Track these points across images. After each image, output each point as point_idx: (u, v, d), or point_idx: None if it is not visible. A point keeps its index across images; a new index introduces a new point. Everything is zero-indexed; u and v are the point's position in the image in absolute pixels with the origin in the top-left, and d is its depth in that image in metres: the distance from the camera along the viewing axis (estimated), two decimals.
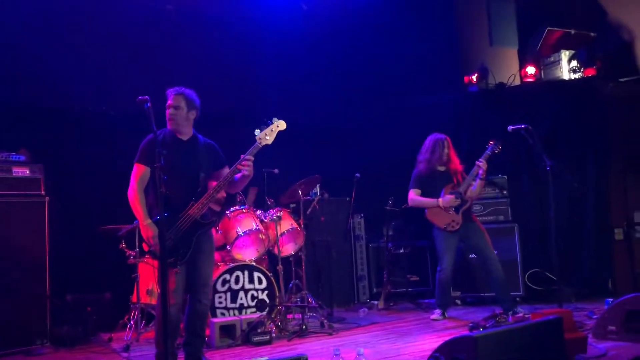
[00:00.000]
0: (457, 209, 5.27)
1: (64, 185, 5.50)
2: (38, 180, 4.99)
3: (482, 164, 5.21)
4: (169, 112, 3.75)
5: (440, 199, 5.31)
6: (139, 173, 3.69)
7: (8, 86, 5.43)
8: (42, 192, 4.99)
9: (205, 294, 3.75)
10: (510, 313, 4.93)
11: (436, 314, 5.36)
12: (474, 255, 5.73)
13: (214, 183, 3.71)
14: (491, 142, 5.27)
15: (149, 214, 3.61)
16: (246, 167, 3.64)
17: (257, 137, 3.69)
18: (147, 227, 3.56)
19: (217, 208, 5.19)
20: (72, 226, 5.53)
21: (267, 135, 3.71)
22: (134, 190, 3.64)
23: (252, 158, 3.66)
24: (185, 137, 3.82)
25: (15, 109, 5.53)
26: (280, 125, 3.76)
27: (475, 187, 5.28)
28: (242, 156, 3.65)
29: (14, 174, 4.87)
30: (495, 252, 5.38)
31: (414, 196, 5.48)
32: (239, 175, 3.70)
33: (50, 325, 4.87)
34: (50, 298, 4.90)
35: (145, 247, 3.64)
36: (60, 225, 5.13)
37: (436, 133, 5.51)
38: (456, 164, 5.48)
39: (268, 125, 3.73)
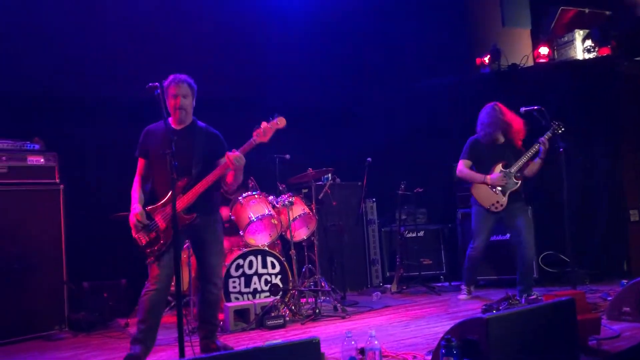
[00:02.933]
0: (504, 190, 5.08)
1: (78, 172, 5.56)
2: (52, 169, 5.06)
3: (543, 143, 4.93)
4: (178, 101, 3.65)
5: (488, 176, 5.09)
6: (138, 165, 3.75)
7: (21, 75, 5.48)
8: (57, 180, 5.05)
9: (213, 284, 3.75)
10: (524, 295, 4.91)
11: (463, 294, 5.37)
12: (498, 237, 5.62)
13: (211, 176, 3.59)
14: (554, 123, 4.97)
15: (148, 203, 3.65)
16: (230, 165, 3.54)
17: (254, 134, 3.60)
18: (132, 214, 3.59)
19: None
20: (87, 213, 5.60)
21: (264, 133, 3.60)
22: (134, 181, 3.72)
23: (239, 155, 3.53)
24: (180, 126, 3.73)
25: (29, 98, 5.59)
26: (280, 122, 3.63)
27: (533, 165, 5.02)
28: (233, 150, 3.59)
29: (28, 163, 4.94)
30: (509, 235, 5.36)
31: (462, 167, 5.24)
32: (229, 171, 3.62)
33: (68, 311, 4.97)
34: (68, 284, 4.98)
35: (133, 233, 3.62)
36: (75, 212, 5.19)
37: (492, 102, 5.24)
38: (519, 128, 5.12)
39: (268, 122, 3.63)
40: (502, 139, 5.22)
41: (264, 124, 3.59)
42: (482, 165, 5.21)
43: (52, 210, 4.99)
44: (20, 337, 4.68)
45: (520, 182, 5.10)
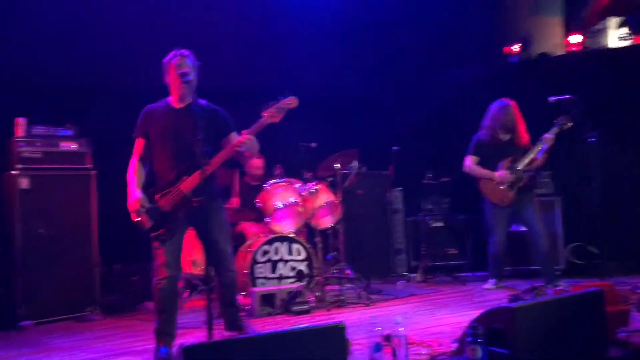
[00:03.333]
0: (511, 186, 5.11)
1: (110, 158, 5.66)
2: (85, 154, 5.18)
3: (549, 140, 4.99)
4: (188, 77, 3.43)
5: (496, 173, 5.15)
6: (138, 147, 3.59)
7: (55, 64, 5.59)
8: (89, 165, 5.17)
9: (224, 267, 3.60)
10: (550, 286, 4.88)
11: (490, 284, 5.34)
12: (519, 228, 5.62)
13: (218, 157, 3.44)
14: (561, 118, 5.01)
15: (149, 186, 3.53)
16: (241, 146, 3.40)
17: (262, 114, 3.44)
18: (131, 195, 3.45)
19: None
20: (118, 198, 5.67)
21: (274, 113, 3.44)
22: (131, 163, 3.56)
23: (251, 137, 3.41)
24: (180, 105, 3.54)
25: (62, 86, 5.71)
26: (292, 102, 3.48)
27: (539, 158, 5.09)
28: (243, 132, 3.45)
29: (61, 148, 5.07)
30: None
31: (470, 163, 5.33)
32: (240, 151, 3.45)
33: (100, 294, 5.10)
34: (99, 267, 5.11)
35: (133, 217, 3.46)
36: (106, 197, 5.29)
37: (502, 99, 5.28)
38: (522, 133, 5.22)
39: (277, 102, 3.46)
40: (506, 137, 5.24)
41: (274, 105, 3.45)
42: (489, 162, 5.24)
43: (84, 195, 5.11)
44: (54, 318, 4.83)
45: (526, 177, 5.13)
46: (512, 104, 5.23)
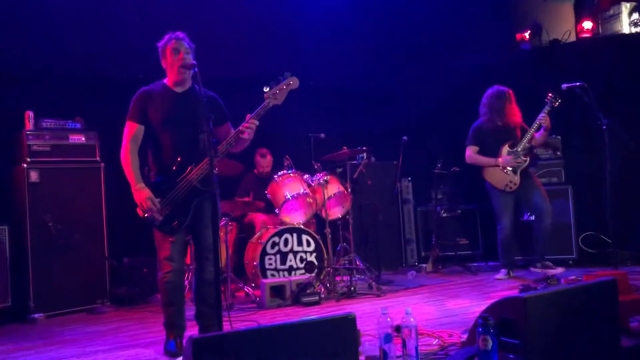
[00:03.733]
0: (515, 169, 5.19)
1: (118, 151, 5.67)
2: (93, 147, 5.19)
3: (543, 119, 5.14)
4: (181, 56, 3.31)
5: (499, 159, 5.23)
6: (132, 131, 3.35)
7: (63, 56, 5.60)
8: (98, 158, 5.19)
9: (210, 262, 3.35)
10: (539, 265, 5.22)
11: (501, 274, 5.35)
12: (531, 217, 5.60)
13: (226, 144, 3.31)
14: (550, 95, 5.16)
15: (148, 176, 3.39)
16: (248, 130, 3.27)
17: (265, 96, 3.29)
18: (139, 192, 3.27)
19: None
20: (127, 191, 5.71)
21: (277, 94, 3.30)
22: (126, 151, 3.34)
23: (257, 122, 3.29)
24: (180, 89, 3.42)
25: (70, 78, 5.72)
26: (293, 82, 3.34)
27: (539, 137, 5.25)
28: (247, 116, 3.30)
29: (70, 141, 5.09)
30: (528, 212, 5.49)
31: (471, 153, 5.40)
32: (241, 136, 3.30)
33: (110, 286, 5.13)
34: (109, 260, 5.13)
35: (140, 213, 3.32)
36: (115, 190, 5.29)
37: (497, 85, 5.37)
38: (518, 118, 5.32)
39: (278, 82, 3.32)
40: (501, 123, 5.30)
41: (275, 86, 3.31)
42: (489, 149, 5.32)
43: (94, 187, 5.13)
44: (65, 310, 4.87)
45: (528, 159, 5.24)
46: (507, 89, 5.29)
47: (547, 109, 5.15)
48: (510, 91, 5.32)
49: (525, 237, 5.74)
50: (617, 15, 6.31)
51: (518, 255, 5.72)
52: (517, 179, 5.20)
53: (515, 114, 5.31)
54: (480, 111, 5.44)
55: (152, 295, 5.35)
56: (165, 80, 3.48)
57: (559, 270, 5.23)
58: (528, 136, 5.23)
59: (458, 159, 6.39)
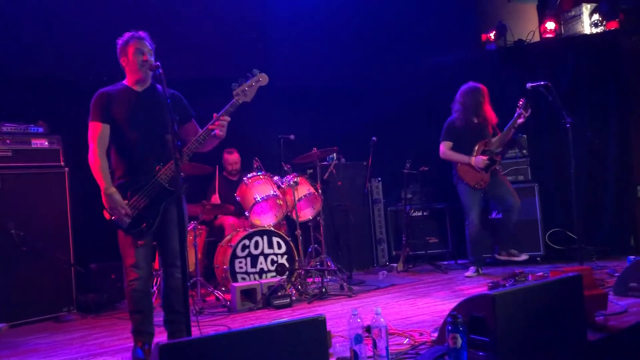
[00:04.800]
0: (487, 168, 5.30)
1: (83, 155, 5.55)
2: (57, 152, 5.07)
3: (515, 123, 5.29)
4: (145, 57, 3.25)
5: (472, 158, 5.32)
6: (97, 132, 3.24)
7: (24, 58, 5.45)
8: (62, 162, 5.07)
9: (177, 268, 3.28)
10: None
11: (470, 271, 5.43)
12: (499, 215, 5.68)
13: (195, 143, 3.21)
14: (521, 101, 5.28)
15: (112, 177, 3.27)
16: (220, 127, 3.18)
17: (233, 94, 3.23)
18: (109, 197, 3.16)
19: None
20: (92, 196, 5.57)
21: (245, 92, 3.23)
22: (94, 153, 3.21)
23: (228, 118, 3.21)
24: (140, 88, 3.34)
25: (32, 81, 5.57)
26: (262, 79, 3.28)
27: (508, 134, 5.37)
28: (214, 115, 3.21)
29: (33, 146, 4.95)
30: (496, 205, 5.64)
31: (445, 149, 5.46)
32: (210, 135, 3.21)
33: (76, 293, 5.01)
34: (75, 266, 5.01)
35: (107, 216, 3.22)
36: (81, 195, 5.18)
37: (471, 82, 5.43)
38: (491, 115, 5.41)
39: (247, 79, 3.25)
40: (476, 120, 5.38)
41: (244, 83, 3.25)
42: (463, 145, 5.40)
43: (58, 193, 5.00)
44: (30, 319, 4.73)
45: (499, 158, 5.41)
46: (481, 86, 5.33)
47: (520, 112, 5.25)
48: (484, 88, 5.37)
49: (494, 235, 5.82)
50: (579, 16, 6.47)
51: (487, 253, 5.79)
52: (487, 177, 5.32)
53: (490, 112, 5.38)
54: (453, 107, 5.48)
55: (120, 302, 5.24)
56: (124, 81, 3.39)
57: (524, 257, 5.42)
58: (501, 137, 5.34)
59: (426, 159, 6.46)
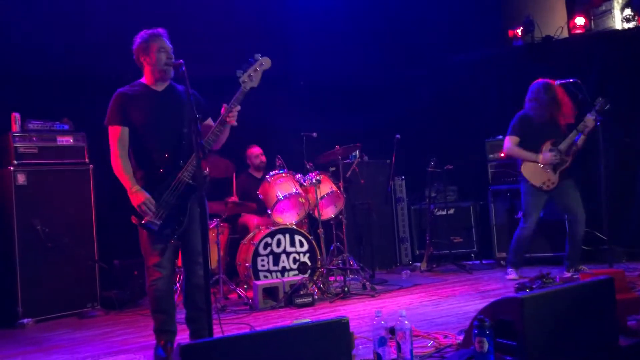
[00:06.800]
0: (554, 168, 4.99)
1: (106, 153, 5.59)
2: (82, 149, 5.11)
3: (590, 121, 4.87)
4: (165, 56, 3.24)
5: (540, 155, 4.98)
6: (117, 135, 3.24)
7: (51, 56, 5.51)
8: (86, 160, 5.11)
9: (199, 265, 3.25)
10: (572, 269, 4.96)
11: (512, 274, 5.16)
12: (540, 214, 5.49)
13: (212, 135, 3.19)
14: (600, 99, 4.91)
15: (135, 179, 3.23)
16: (231, 121, 3.15)
17: (240, 81, 3.16)
18: (136, 195, 3.13)
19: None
20: (116, 193, 5.61)
21: (251, 77, 3.17)
22: (116, 156, 3.22)
23: (239, 107, 3.17)
24: (160, 88, 3.33)
25: (58, 78, 5.62)
26: (265, 63, 3.21)
27: (577, 141, 4.99)
28: (224, 106, 3.17)
29: (58, 143, 5.01)
30: (542, 213, 5.21)
31: (511, 144, 5.11)
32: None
33: (100, 289, 5.06)
34: (99, 263, 5.05)
35: (135, 220, 3.17)
36: (105, 192, 5.22)
37: (541, 79, 5.10)
38: (566, 112, 5.03)
39: (250, 65, 3.19)
40: (548, 117, 5.06)
41: (248, 69, 3.19)
42: (530, 143, 5.06)
43: (83, 190, 5.06)
44: (54, 315, 4.80)
45: (570, 159, 5.01)
46: (554, 83, 5.04)
47: (595, 111, 4.86)
48: (555, 84, 5.02)
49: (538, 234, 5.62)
50: (609, 11, 6.28)
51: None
52: (556, 178, 4.98)
53: (567, 115, 5.03)
54: (527, 105, 5.13)
55: (142, 298, 5.28)
56: (143, 80, 3.36)
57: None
58: (572, 136, 4.97)
59: (451, 157, 6.37)
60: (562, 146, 4.98)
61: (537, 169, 5.03)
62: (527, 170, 5.08)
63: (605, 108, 4.88)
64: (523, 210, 5.19)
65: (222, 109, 3.20)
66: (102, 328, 4.42)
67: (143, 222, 3.14)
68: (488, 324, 2.43)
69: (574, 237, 5.06)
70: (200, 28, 6.04)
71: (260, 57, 3.23)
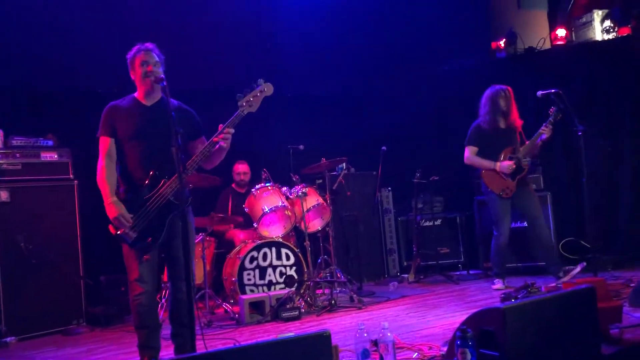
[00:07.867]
0: (512, 176, 5.08)
1: (91, 168, 5.57)
2: (66, 164, 5.09)
3: (546, 130, 5.00)
4: (149, 68, 3.24)
5: (498, 163, 5.08)
6: (106, 146, 3.28)
7: (33, 71, 5.49)
8: (71, 175, 5.09)
9: (183, 281, 3.11)
10: (560, 275, 4.96)
11: (498, 284, 5.19)
12: (524, 224, 5.53)
13: (200, 155, 3.20)
14: (552, 109, 5.02)
15: (118, 192, 3.24)
16: (224, 139, 3.16)
17: (238, 104, 3.19)
18: (111, 206, 3.14)
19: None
20: (102, 208, 5.59)
21: (250, 102, 3.20)
22: (101, 166, 3.26)
23: (233, 130, 3.17)
24: (150, 102, 3.35)
25: (41, 94, 5.62)
26: (267, 89, 3.25)
27: (536, 146, 5.11)
28: (220, 126, 3.18)
29: (42, 159, 4.99)
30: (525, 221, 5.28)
31: (469, 154, 5.23)
32: (215, 148, 3.19)
33: (86, 306, 5.01)
34: (85, 279, 5.01)
35: (112, 230, 3.18)
36: (90, 207, 5.17)
37: (496, 85, 5.22)
38: (516, 116, 5.16)
39: (252, 90, 3.23)
40: (503, 124, 5.17)
41: (249, 93, 3.23)
42: (489, 151, 5.18)
43: (67, 205, 5.03)
44: (39, 332, 4.74)
45: (527, 167, 5.14)
46: (507, 88, 5.17)
47: (550, 120, 5.00)
48: (510, 89, 5.17)
49: (512, 245, 5.66)
50: (590, 22, 6.39)
51: (511, 262, 5.67)
52: (513, 185, 5.08)
53: (515, 115, 5.16)
54: (481, 112, 5.25)
55: (129, 314, 5.21)
56: (135, 94, 3.41)
57: (580, 266, 4.95)
58: (530, 145, 5.09)
59: (437, 168, 6.40)
60: (520, 154, 5.09)
61: (495, 177, 5.14)
62: (487, 178, 5.20)
63: (558, 118, 5.02)
64: (493, 218, 5.27)
65: (219, 128, 3.20)
66: (87, 345, 4.37)
67: (119, 232, 3.16)
68: (470, 334, 2.43)
69: (542, 242, 5.14)
70: (186, 42, 6.05)
71: (264, 82, 3.26)
